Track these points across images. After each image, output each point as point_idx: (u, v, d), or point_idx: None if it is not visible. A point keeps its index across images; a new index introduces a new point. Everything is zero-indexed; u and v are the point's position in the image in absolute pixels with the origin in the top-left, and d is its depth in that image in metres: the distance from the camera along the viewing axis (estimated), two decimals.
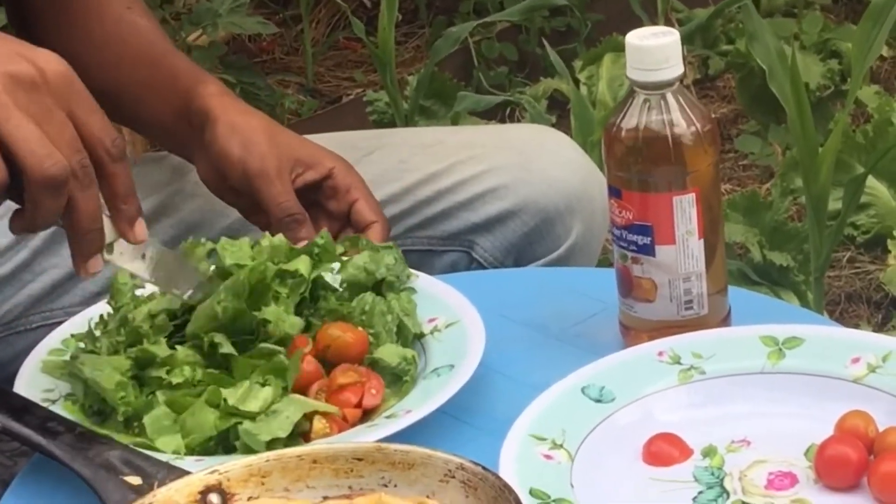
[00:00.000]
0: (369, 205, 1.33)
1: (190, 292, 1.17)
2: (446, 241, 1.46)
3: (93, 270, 1.10)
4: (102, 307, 1.21)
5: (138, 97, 1.41)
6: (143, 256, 1.15)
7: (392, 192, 1.45)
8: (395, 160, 1.47)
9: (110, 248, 1.12)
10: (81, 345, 1.18)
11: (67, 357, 1.18)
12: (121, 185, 1.10)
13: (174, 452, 1.09)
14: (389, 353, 1.16)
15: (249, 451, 1.08)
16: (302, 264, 1.19)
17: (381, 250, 1.23)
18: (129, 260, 1.14)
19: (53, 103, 1.06)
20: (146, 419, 1.10)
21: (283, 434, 1.09)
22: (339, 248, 1.24)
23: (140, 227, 1.12)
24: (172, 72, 1.40)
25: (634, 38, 1.15)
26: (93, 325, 1.19)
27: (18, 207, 1.08)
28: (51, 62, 1.07)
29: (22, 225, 1.09)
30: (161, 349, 1.13)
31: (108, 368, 1.12)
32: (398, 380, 1.16)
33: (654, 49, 1.14)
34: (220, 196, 1.37)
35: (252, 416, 1.10)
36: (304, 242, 1.27)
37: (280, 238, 1.22)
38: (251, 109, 1.38)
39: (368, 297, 1.19)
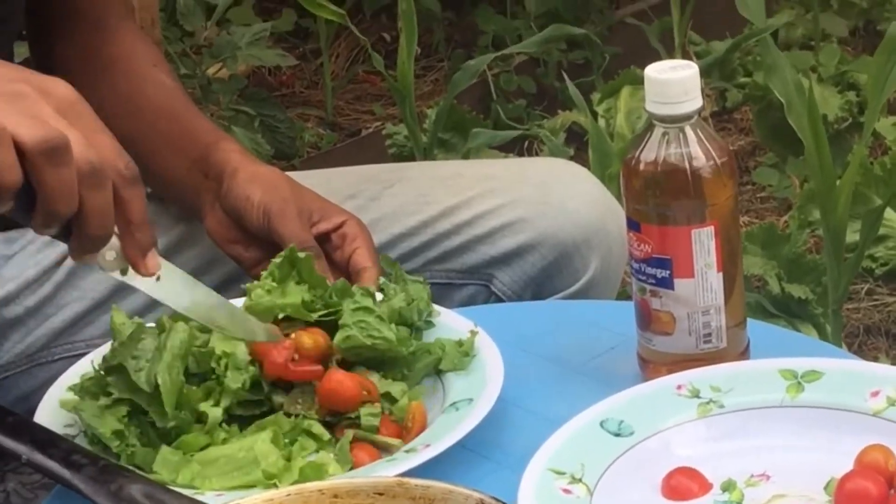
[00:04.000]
0: (368, 253, 1.33)
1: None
2: (465, 274, 1.46)
3: (88, 263, 1.09)
4: None
5: (154, 149, 1.41)
6: (158, 278, 1.13)
7: (412, 226, 1.46)
8: (415, 193, 1.47)
9: (125, 271, 1.11)
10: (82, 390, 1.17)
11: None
12: (135, 211, 1.08)
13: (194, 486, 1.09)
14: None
15: None
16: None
17: (412, 284, 1.24)
18: (141, 281, 1.12)
19: (55, 117, 1.04)
20: (157, 465, 1.11)
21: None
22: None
23: (152, 260, 1.10)
24: (193, 126, 1.42)
25: (654, 71, 1.16)
26: (96, 366, 1.18)
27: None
28: (58, 86, 1.06)
29: (39, 219, 1.05)
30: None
31: (108, 415, 1.12)
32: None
33: (674, 82, 1.15)
34: (225, 248, 1.37)
35: None
36: None
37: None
38: (270, 166, 1.40)
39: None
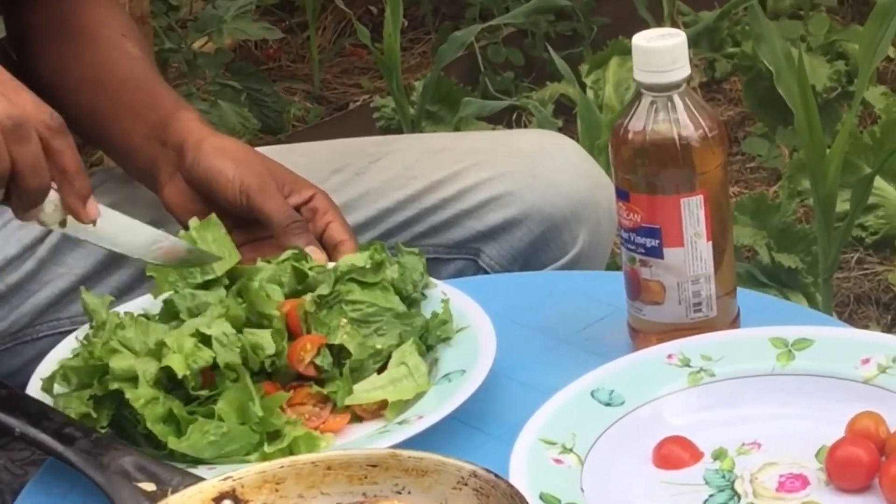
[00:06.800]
0: (342, 226, 1.33)
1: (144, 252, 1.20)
2: (452, 249, 1.46)
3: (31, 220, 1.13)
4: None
5: (114, 116, 1.40)
6: (93, 224, 1.17)
7: (398, 200, 1.45)
8: (401, 167, 1.47)
9: (64, 223, 1.15)
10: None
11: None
12: (67, 159, 1.11)
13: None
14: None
15: None
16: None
17: (407, 255, 1.23)
18: (81, 229, 1.16)
19: None
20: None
21: None
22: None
23: (92, 206, 1.13)
24: (154, 96, 1.40)
25: (641, 39, 1.15)
26: (79, 343, 1.18)
27: None
28: None
29: None
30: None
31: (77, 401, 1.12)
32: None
33: (662, 51, 1.14)
34: (182, 219, 1.33)
35: None
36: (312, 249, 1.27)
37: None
38: (230, 136, 1.39)
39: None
